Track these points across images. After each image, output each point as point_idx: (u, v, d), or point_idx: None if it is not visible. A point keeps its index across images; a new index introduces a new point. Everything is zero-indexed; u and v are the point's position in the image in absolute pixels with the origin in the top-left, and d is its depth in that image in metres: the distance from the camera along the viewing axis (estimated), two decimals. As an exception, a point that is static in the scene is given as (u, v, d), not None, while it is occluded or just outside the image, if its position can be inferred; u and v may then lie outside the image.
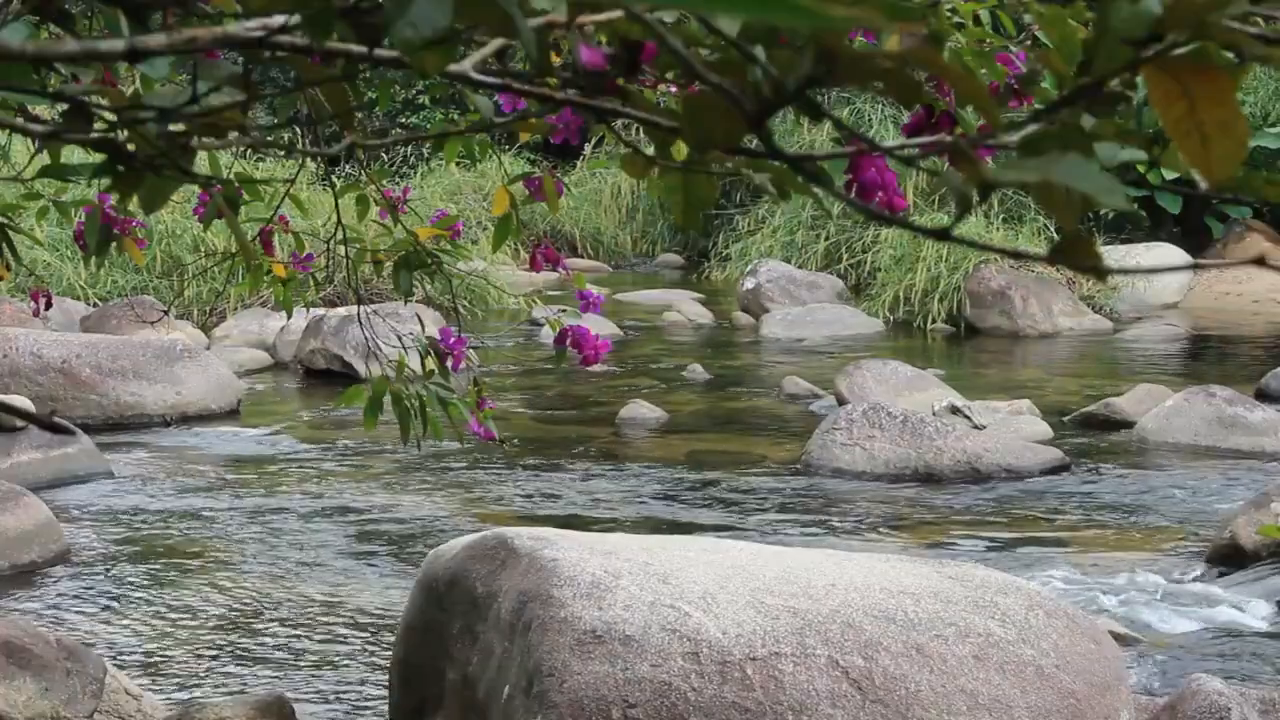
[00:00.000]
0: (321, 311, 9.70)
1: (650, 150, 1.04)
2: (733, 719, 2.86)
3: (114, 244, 2.26)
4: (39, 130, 1.23)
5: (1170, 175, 10.86)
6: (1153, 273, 1.02)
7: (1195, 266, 0.98)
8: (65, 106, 1.15)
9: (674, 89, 1.27)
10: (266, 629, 4.92)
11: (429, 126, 16.07)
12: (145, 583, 5.42)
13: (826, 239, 14.02)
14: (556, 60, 1.08)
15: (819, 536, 6.03)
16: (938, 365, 9.96)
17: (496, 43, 0.99)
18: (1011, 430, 7.63)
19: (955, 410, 7.77)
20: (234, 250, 3.32)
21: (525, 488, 6.85)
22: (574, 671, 2.95)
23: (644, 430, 8.17)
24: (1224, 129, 0.72)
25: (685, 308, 13.05)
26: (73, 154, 5.40)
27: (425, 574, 3.66)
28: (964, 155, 0.79)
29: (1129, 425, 7.97)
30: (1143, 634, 4.87)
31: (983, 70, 1.76)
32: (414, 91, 17.85)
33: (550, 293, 13.29)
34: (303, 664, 4.62)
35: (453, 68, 0.97)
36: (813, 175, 0.85)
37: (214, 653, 4.69)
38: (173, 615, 5.05)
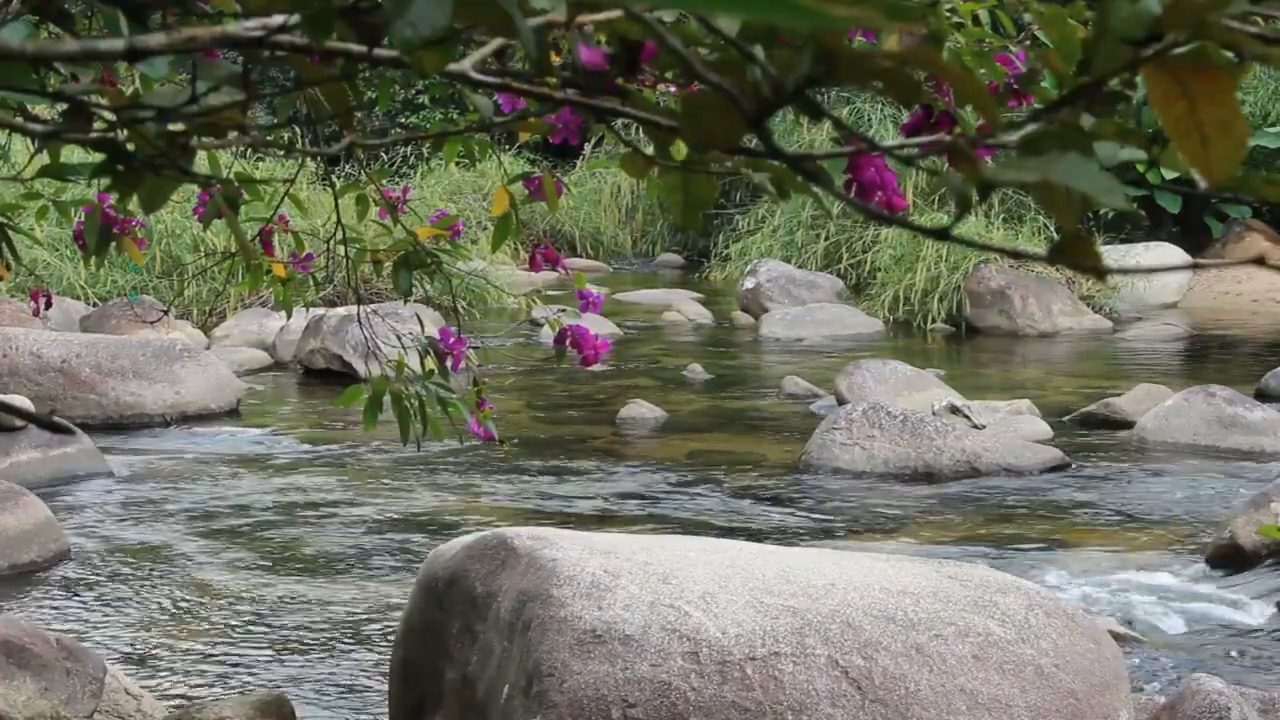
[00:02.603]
0: (321, 311, 9.70)
1: (650, 150, 1.04)
2: (732, 719, 2.86)
3: (113, 244, 2.26)
4: (39, 130, 1.23)
5: (1170, 175, 10.87)
6: (1152, 272, 1.02)
7: (1195, 266, 0.98)
8: (65, 106, 1.15)
9: (673, 89, 1.27)
10: (266, 629, 4.92)
11: (428, 126, 16.07)
12: (145, 582, 5.42)
13: (826, 239, 14.02)
14: (556, 60, 1.08)
15: (819, 536, 6.03)
16: (937, 365, 9.96)
17: (496, 42, 0.99)
18: (1011, 430, 7.63)
19: (955, 410, 7.77)
20: (234, 250, 3.32)
21: (525, 488, 6.85)
22: (573, 671, 2.95)
23: (644, 430, 8.17)
24: (1223, 128, 0.72)
25: (685, 307, 13.05)
26: (72, 154, 5.40)
27: (425, 574, 3.66)
28: (963, 155, 0.79)
29: (1129, 425, 7.97)
30: (1143, 634, 4.87)
31: (982, 70, 1.76)
32: (414, 91, 17.84)
33: (550, 292, 13.28)
34: (303, 664, 4.62)
35: (452, 67, 0.97)
36: (812, 175, 0.85)
37: (214, 653, 4.69)
38: (173, 615, 5.05)
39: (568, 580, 3.11)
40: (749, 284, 13.08)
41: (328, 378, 9.41)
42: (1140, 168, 11.14)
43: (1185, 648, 4.80)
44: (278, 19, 0.93)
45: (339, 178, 6.21)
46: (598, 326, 8.25)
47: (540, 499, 6.65)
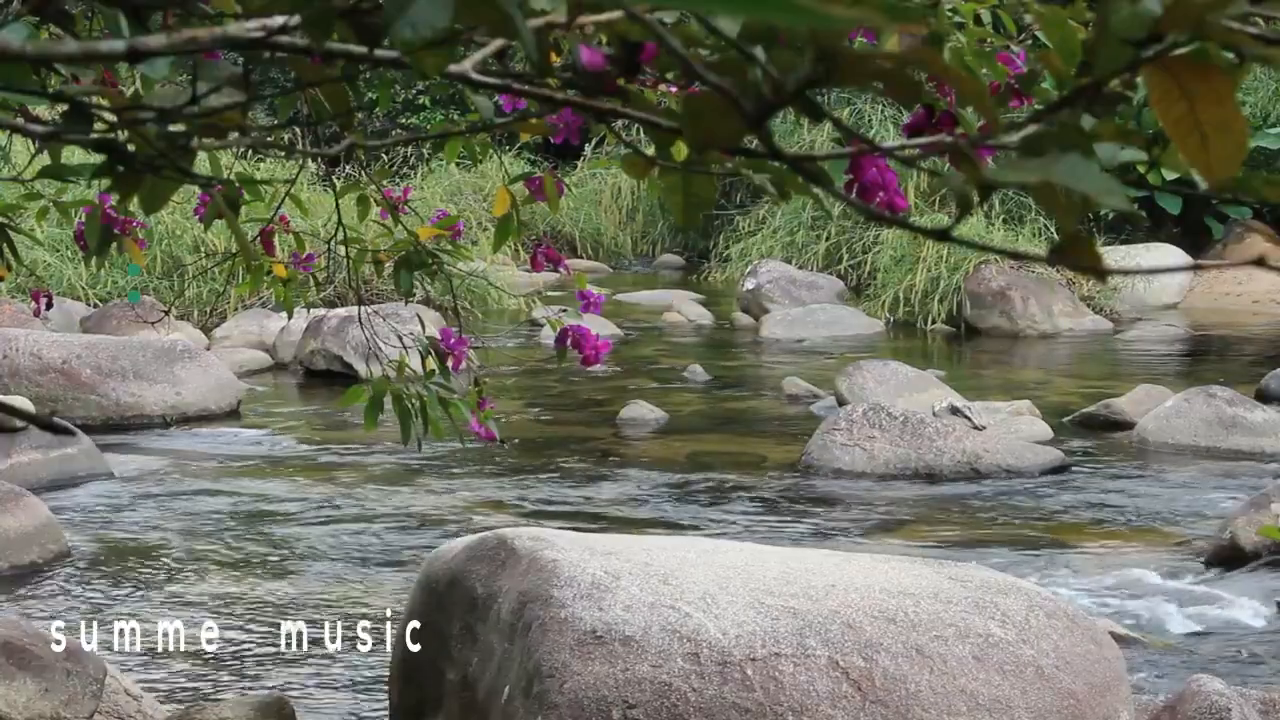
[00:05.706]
0: (322, 312, 9.69)
1: (650, 150, 1.04)
2: (733, 719, 2.86)
3: (114, 244, 2.26)
4: (39, 131, 1.23)
5: (1170, 175, 10.85)
6: (1153, 273, 1.02)
7: (1195, 267, 0.98)
8: (65, 107, 1.15)
9: (674, 89, 1.27)
10: (267, 629, 4.92)
11: (429, 127, 16.06)
12: (145, 583, 5.42)
13: (827, 239, 14.01)
14: (556, 60, 1.08)
15: (819, 537, 6.03)
16: (938, 366, 9.96)
17: (496, 43, 0.99)
18: (1011, 431, 7.63)
19: (955, 411, 7.76)
20: (234, 251, 3.32)
21: (525, 488, 6.85)
22: (574, 672, 2.95)
23: (644, 431, 8.17)
24: (1223, 129, 0.72)
25: (685, 308, 13.04)
26: (73, 154, 5.40)
27: (425, 574, 3.66)
28: (964, 156, 0.79)
29: (1129, 426, 7.97)
30: (1143, 634, 4.87)
31: (984, 70, 1.76)
32: (414, 92, 17.84)
33: (550, 293, 13.29)
34: (303, 664, 4.62)
35: (453, 68, 0.97)
36: (813, 176, 0.85)
37: (214, 653, 4.69)
38: (173, 615, 5.04)
39: (568, 581, 3.11)
40: (749, 285, 13.07)
41: (328, 378, 9.40)
42: (1141, 168, 11.13)
43: (1185, 648, 4.80)
44: (278, 20, 0.93)
45: (339, 178, 6.20)
46: (598, 327, 8.25)
47: (540, 499, 6.65)
